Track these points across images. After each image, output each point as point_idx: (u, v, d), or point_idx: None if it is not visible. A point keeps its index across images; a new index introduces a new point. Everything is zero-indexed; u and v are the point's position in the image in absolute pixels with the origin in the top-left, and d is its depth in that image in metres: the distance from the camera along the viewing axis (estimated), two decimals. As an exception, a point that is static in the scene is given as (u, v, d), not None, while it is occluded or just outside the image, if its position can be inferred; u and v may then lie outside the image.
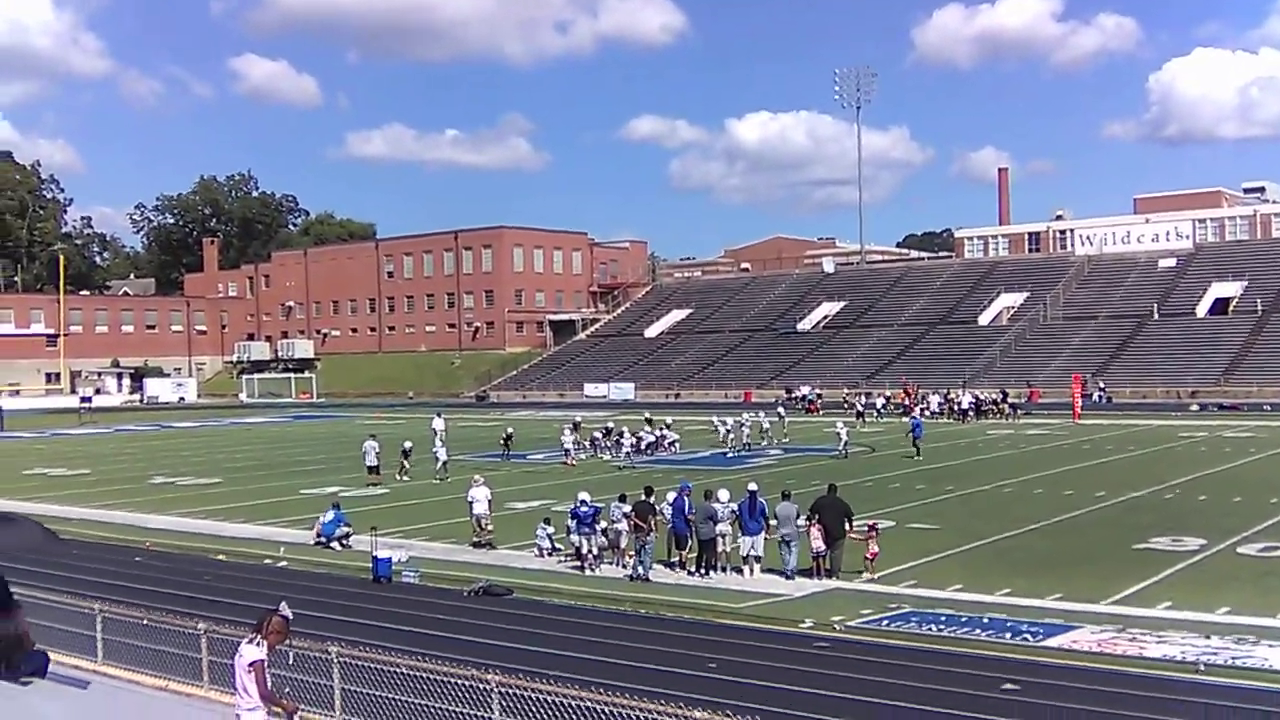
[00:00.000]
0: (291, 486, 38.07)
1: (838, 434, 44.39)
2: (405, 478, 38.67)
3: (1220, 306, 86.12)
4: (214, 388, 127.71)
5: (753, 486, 21.93)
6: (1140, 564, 21.51)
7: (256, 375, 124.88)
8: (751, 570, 21.16)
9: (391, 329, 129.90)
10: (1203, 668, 14.52)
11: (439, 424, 44.38)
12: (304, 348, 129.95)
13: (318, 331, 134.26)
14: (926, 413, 61.81)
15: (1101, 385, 73.68)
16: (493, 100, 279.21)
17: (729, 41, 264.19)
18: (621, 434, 44.99)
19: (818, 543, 20.77)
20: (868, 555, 20.73)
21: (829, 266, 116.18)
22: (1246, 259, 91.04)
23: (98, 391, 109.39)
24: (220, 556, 25.05)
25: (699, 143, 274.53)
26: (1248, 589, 19.32)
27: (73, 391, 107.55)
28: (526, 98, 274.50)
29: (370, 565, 21.69)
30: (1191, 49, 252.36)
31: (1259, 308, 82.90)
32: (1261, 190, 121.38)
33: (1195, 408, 65.86)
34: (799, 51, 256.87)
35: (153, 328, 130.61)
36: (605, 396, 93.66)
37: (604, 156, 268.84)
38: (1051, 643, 16.06)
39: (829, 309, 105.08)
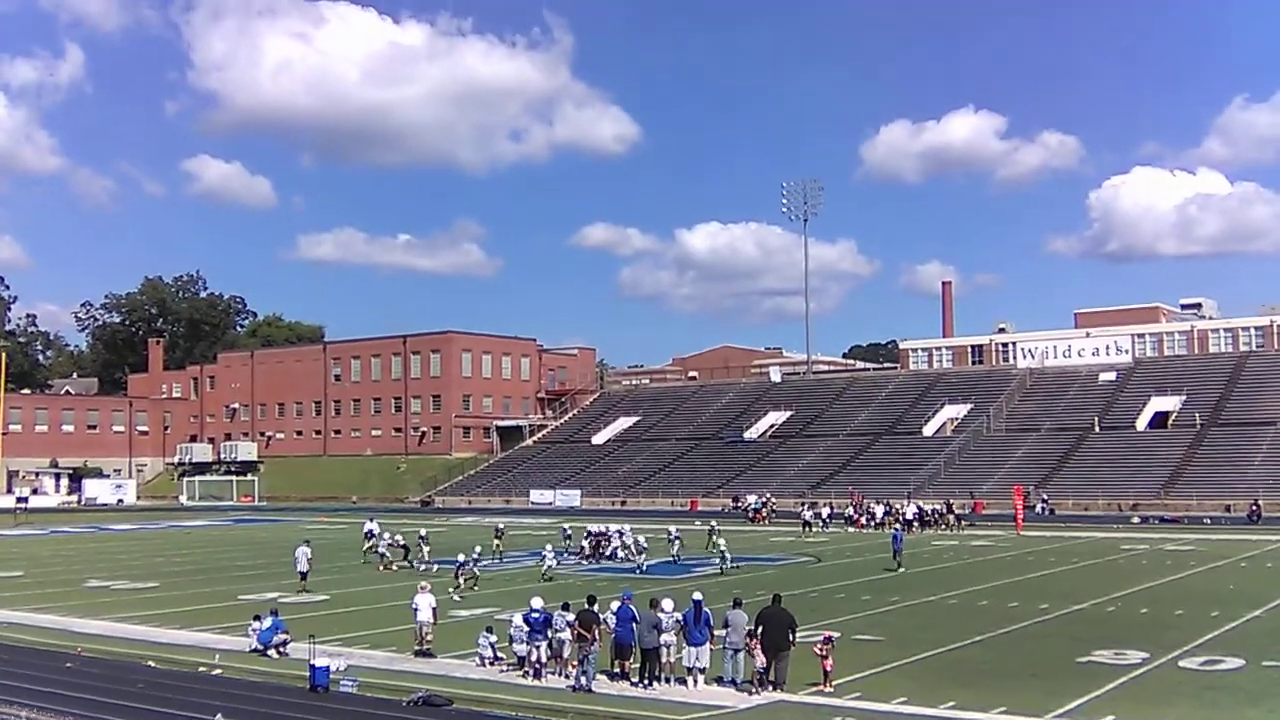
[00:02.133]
0: (230, 592, 37.40)
1: (716, 546, 42.85)
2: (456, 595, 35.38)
3: (1160, 420, 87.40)
4: (154, 490, 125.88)
5: (698, 596, 21.81)
6: (1084, 677, 21.52)
7: (198, 478, 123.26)
8: (696, 681, 20.95)
9: (337, 432, 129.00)
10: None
11: (373, 527, 44.18)
12: (247, 450, 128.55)
13: (262, 434, 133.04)
14: (874, 523, 61.94)
15: (1044, 497, 74.24)
16: (446, 205, 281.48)
17: (681, 152, 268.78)
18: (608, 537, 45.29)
19: (759, 659, 20.53)
20: (825, 669, 20.51)
21: (776, 376, 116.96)
22: (1184, 373, 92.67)
23: (35, 492, 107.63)
24: (152, 663, 24.48)
25: (650, 251, 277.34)
26: (1190, 703, 19.36)
27: (9, 491, 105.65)
28: (480, 203, 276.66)
29: (308, 674, 21.28)
30: (1131, 167, 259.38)
31: (1197, 421, 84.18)
32: (1198, 306, 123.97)
33: (1136, 520, 66.42)
34: (749, 164, 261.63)
35: (94, 428, 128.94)
36: (551, 503, 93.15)
37: (555, 263, 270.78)
38: (995, 757, 15.98)
39: (776, 418, 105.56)
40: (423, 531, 46.32)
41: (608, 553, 45.54)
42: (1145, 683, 21.23)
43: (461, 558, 37.25)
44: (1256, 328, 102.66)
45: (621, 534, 46.90)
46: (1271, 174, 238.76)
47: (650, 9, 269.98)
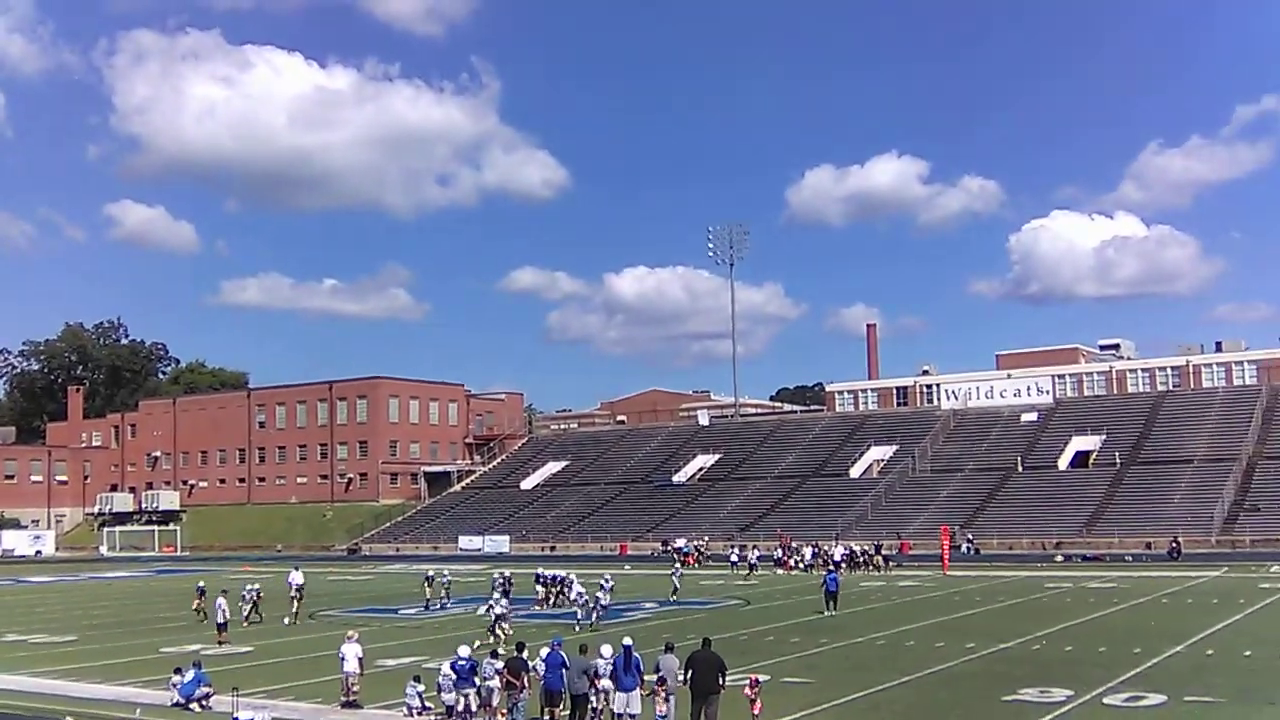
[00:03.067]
0: (151, 644, 36.64)
1: (581, 596, 38.70)
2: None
3: (1081, 459, 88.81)
4: (74, 541, 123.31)
5: (627, 641, 21.70)
6: (1010, 716, 21.72)
7: (119, 528, 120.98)
8: (626, 727, 20.84)
9: (261, 480, 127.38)
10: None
11: (296, 578, 43.50)
12: (169, 499, 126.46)
13: (184, 482, 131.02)
14: (803, 565, 62.17)
15: (969, 537, 75.01)
16: (373, 250, 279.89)
17: (609, 196, 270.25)
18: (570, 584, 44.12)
19: (661, 708, 20.23)
20: (755, 712, 20.43)
21: (704, 419, 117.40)
22: (1103, 413, 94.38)
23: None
24: (70, 718, 23.91)
25: (578, 295, 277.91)
26: (1113, 740, 19.60)
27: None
28: (407, 248, 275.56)
29: (231, 727, 20.92)
30: (1050, 211, 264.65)
31: (1117, 460, 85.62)
32: (1116, 347, 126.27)
33: (1060, 559, 67.32)
34: (677, 208, 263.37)
35: (11, 478, 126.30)
36: (480, 549, 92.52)
37: (483, 307, 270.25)
38: (924, 797, 16.07)
39: (704, 461, 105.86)
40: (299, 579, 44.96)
41: (572, 596, 43.24)
42: (1070, 720, 21.48)
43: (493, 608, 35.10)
44: (1173, 368, 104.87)
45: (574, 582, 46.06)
46: (1185, 217, 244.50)
47: (578, 54, 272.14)
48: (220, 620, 37.34)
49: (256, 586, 43.35)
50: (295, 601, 43.18)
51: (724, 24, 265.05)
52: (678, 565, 54.02)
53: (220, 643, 35.99)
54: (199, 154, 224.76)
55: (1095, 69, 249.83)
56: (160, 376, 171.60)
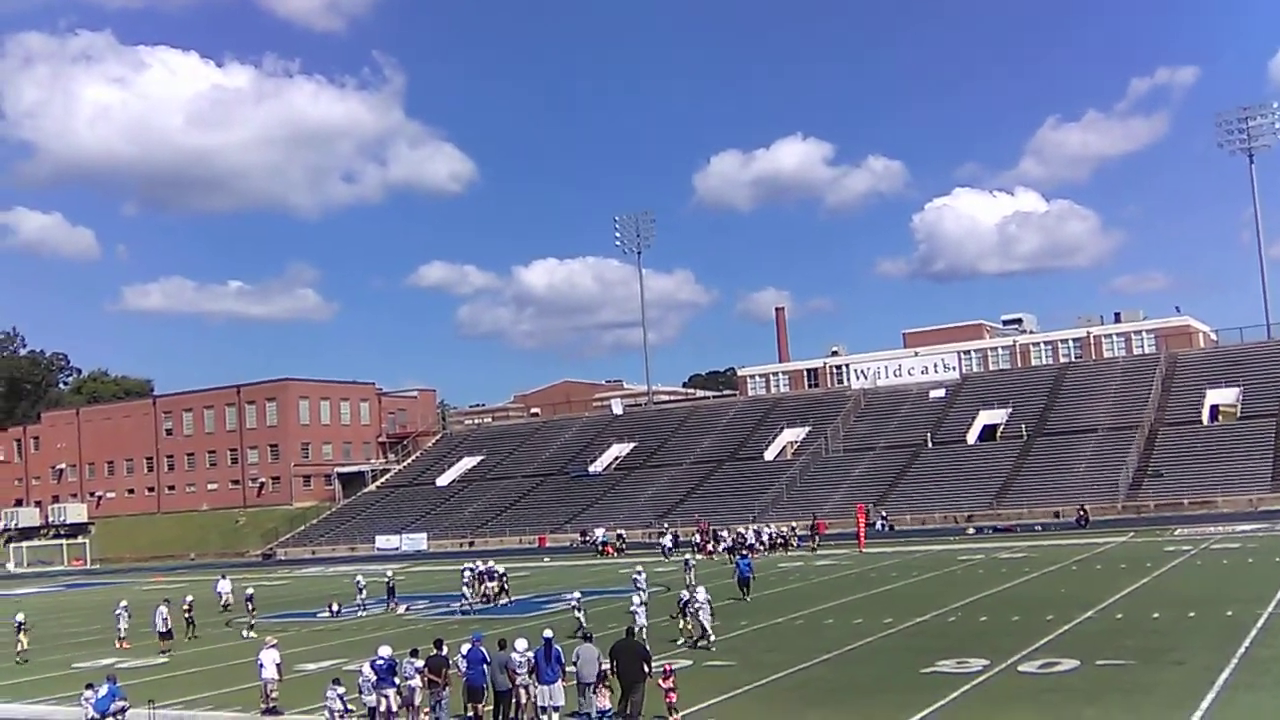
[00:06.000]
0: (63, 660, 35.91)
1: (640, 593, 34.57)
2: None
3: (988, 433, 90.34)
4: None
5: (548, 633, 21.67)
6: (928, 688, 22.04)
7: (25, 543, 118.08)
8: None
9: (171, 488, 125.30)
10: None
11: (224, 585, 42.92)
12: (77, 512, 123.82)
13: (91, 494, 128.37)
14: (723, 549, 62.41)
15: (883, 514, 75.95)
16: (278, 250, 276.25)
17: (517, 189, 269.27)
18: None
19: (603, 702, 20.45)
20: (667, 700, 20.52)
21: (617, 408, 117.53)
22: (1009, 387, 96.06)
23: None
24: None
25: (488, 289, 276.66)
26: (1030, 706, 19.98)
27: None
28: (313, 247, 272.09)
29: (149, 740, 20.55)
30: (953, 189, 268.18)
31: (1024, 432, 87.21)
32: (1019, 322, 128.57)
33: (972, 531, 68.46)
34: (586, 198, 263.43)
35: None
36: (398, 548, 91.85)
37: (393, 304, 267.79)
38: (847, 773, 16.27)
39: (619, 450, 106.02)
40: (250, 590, 44.70)
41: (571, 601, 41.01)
42: (987, 689, 21.84)
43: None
44: (1074, 339, 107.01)
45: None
46: (1085, 192, 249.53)
47: (482, 46, 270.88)
48: (163, 629, 37.28)
49: (190, 598, 42.64)
50: (249, 605, 42.51)
51: (628, 13, 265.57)
52: (689, 557, 50.68)
53: (163, 651, 36.01)
54: (95, 158, 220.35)
55: (993, 46, 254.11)
56: (62, 387, 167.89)
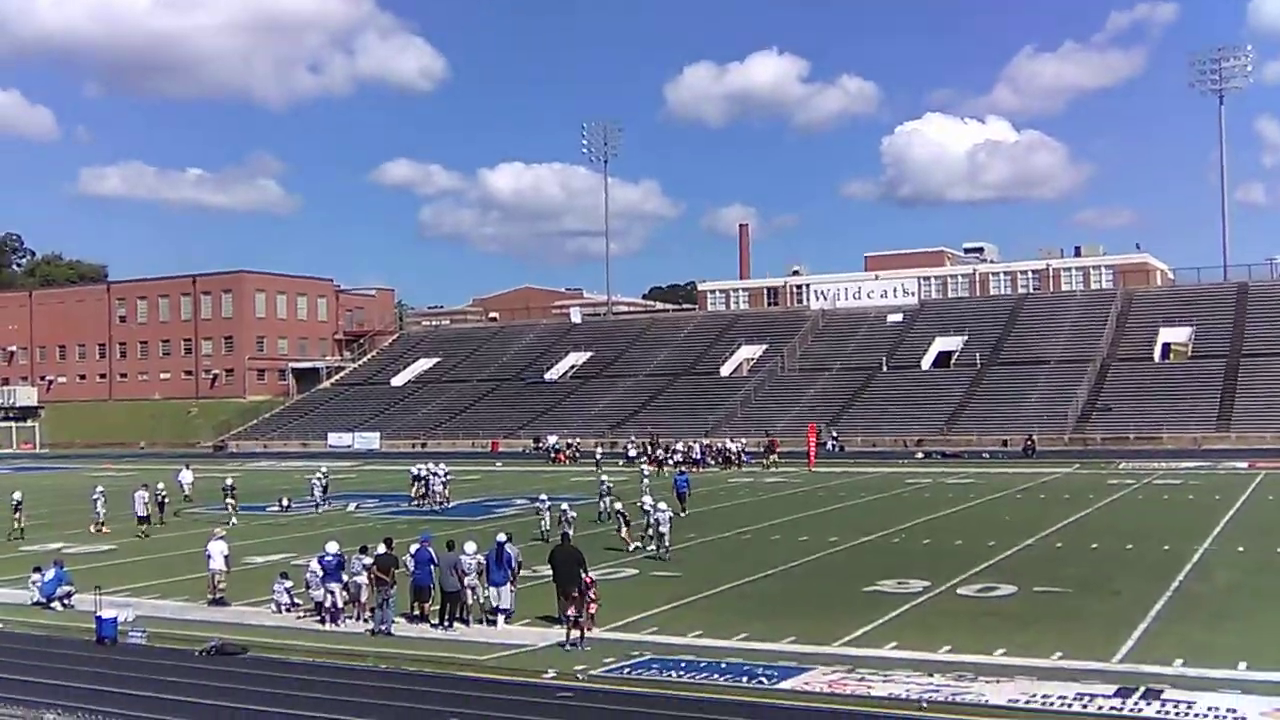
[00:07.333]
0: (10, 544, 35.88)
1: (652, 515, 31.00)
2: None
3: (943, 360, 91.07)
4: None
5: (501, 537, 21.87)
6: (869, 606, 22.45)
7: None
8: (499, 622, 21.09)
9: (123, 376, 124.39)
10: (925, 705, 15.23)
11: (186, 476, 43.01)
12: (27, 395, 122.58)
13: (42, 378, 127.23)
14: (672, 463, 62.45)
15: (835, 434, 76.61)
16: (241, 139, 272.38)
17: (487, 90, 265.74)
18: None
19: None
20: (590, 611, 20.12)
21: (576, 317, 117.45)
22: (966, 315, 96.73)
23: None
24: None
25: (453, 190, 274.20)
26: (966, 628, 20.37)
27: None
28: (277, 138, 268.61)
29: (94, 626, 20.64)
30: (924, 114, 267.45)
31: (978, 361, 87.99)
32: (980, 250, 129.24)
33: (920, 456, 69.20)
34: (554, 103, 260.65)
35: None
36: (350, 446, 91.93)
37: (355, 200, 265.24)
38: (785, 685, 16.56)
39: (576, 359, 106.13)
40: (229, 481, 44.06)
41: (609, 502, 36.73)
42: (925, 610, 22.27)
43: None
44: (1034, 271, 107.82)
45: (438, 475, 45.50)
46: (1056, 123, 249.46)
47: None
48: (142, 514, 37.95)
49: (162, 485, 42.37)
50: (231, 493, 42.00)
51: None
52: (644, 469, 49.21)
53: (143, 535, 36.86)
54: (56, 36, 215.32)
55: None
56: (15, 269, 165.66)
